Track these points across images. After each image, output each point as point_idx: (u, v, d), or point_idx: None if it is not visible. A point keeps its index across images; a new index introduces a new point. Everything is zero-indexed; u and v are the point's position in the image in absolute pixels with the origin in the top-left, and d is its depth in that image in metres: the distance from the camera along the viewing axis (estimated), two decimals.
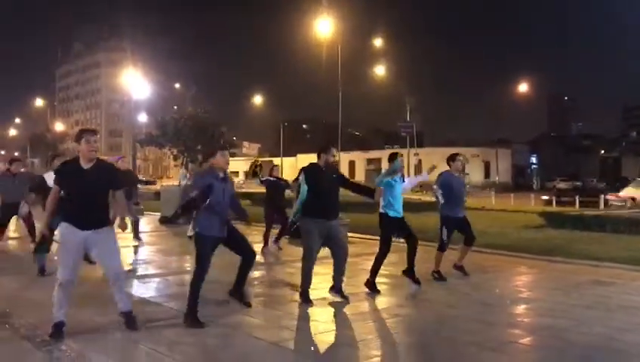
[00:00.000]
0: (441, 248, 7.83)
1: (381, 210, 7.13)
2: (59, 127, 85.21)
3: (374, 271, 7.09)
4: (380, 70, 44.61)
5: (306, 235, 6.29)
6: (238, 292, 5.95)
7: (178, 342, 4.88)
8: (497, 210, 22.63)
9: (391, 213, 7.08)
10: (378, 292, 6.97)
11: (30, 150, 74.77)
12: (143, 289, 7.14)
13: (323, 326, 5.65)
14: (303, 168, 6.55)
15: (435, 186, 7.79)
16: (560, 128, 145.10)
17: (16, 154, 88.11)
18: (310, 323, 5.75)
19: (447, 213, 7.81)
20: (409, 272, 7.35)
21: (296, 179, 8.50)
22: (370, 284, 7.05)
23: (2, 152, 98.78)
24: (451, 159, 8.06)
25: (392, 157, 7.26)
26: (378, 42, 44.50)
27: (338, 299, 6.44)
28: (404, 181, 7.37)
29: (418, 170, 49.52)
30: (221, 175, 5.58)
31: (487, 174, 60.27)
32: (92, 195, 4.97)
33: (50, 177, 7.96)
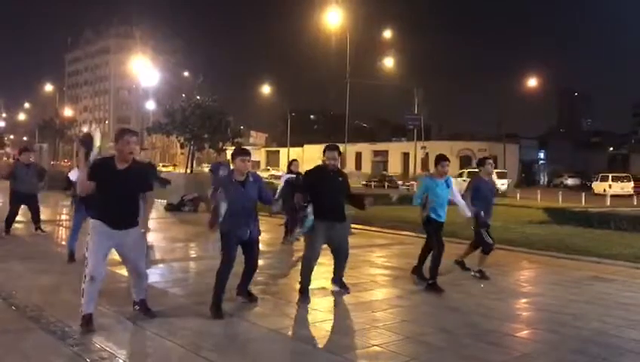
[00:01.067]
0: (487, 250, 7.66)
1: (424, 211, 7.05)
2: (67, 112, 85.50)
3: (433, 273, 6.87)
4: (388, 62, 44.54)
5: (311, 235, 6.24)
6: (244, 291, 5.98)
7: (182, 328, 4.97)
8: (502, 204, 22.61)
9: (432, 215, 6.98)
10: (442, 291, 6.74)
11: (39, 135, 75.14)
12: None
13: (323, 315, 5.74)
14: (306, 171, 6.68)
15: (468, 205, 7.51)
16: (570, 124, 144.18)
17: (24, 138, 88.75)
18: (310, 312, 5.83)
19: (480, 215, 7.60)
20: (418, 270, 7.33)
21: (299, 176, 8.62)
22: (432, 286, 6.81)
23: (11, 137, 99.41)
24: (481, 164, 7.96)
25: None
26: (387, 34, 44.44)
27: (337, 289, 6.53)
28: (448, 186, 7.14)
29: (425, 163, 49.31)
30: (240, 178, 5.63)
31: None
32: (124, 198, 4.94)
33: (74, 175, 7.78)
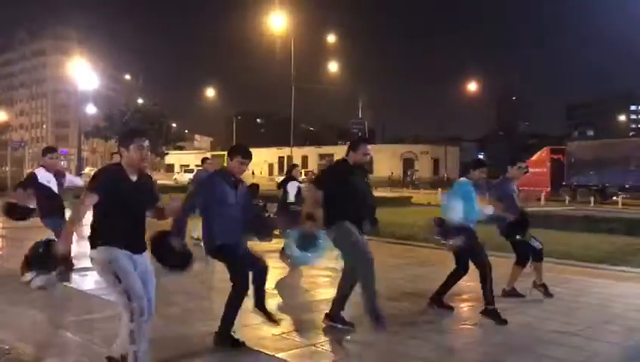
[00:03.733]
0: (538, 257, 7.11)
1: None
2: (1, 116, 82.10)
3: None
4: (333, 66, 45.01)
5: (350, 237, 5.09)
6: (261, 309, 5.00)
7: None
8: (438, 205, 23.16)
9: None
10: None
11: None
12: (81, 282, 7.08)
13: (258, 317, 5.75)
14: (328, 168, 5.60)
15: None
16: (508, 127, 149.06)
17: None
18: (250, 315, 5.84)
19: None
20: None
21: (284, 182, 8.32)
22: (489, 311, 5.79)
23: None
24: (511, 163, 7.07)
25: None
26: (332, 39, 44.89)
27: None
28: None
29: (369, 167, 49.99)
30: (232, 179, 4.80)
31: (435, 171, 61.58)
32: (141, 213, 4.01)
33: (40, 173, 7.13)
